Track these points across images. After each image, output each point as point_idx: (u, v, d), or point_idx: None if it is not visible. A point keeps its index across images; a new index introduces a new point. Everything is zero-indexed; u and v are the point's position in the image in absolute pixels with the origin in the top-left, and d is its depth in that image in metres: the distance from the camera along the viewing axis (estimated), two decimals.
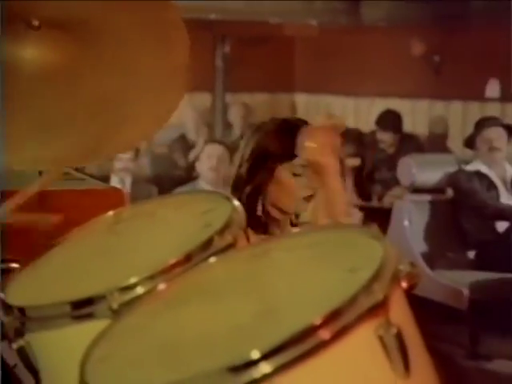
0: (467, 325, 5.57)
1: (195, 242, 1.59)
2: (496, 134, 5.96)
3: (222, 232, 1.61)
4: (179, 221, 1.79)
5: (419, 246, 6.02)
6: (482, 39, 7.02)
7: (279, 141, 2.29)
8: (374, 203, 6.83)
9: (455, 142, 7.46)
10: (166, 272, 1.50)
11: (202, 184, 5.54)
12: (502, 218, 5.78)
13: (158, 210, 1.88)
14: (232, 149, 6.27)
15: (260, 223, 2.30)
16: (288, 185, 2.27)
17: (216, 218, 1.68)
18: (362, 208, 6.80)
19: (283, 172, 2.28)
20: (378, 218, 6.25)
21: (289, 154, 2.21)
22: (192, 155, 7.64)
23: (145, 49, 1.96)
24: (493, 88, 7.26)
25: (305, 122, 2.31)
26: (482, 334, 5.55)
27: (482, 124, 6.18)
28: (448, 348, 5.58)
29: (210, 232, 1.60)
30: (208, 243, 1.58)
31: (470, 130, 6.54)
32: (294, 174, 2.26)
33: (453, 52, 7.48)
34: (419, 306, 5.14)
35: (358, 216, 6.70)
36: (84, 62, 1.89)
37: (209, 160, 5.55)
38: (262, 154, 2.31)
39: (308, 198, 2.23)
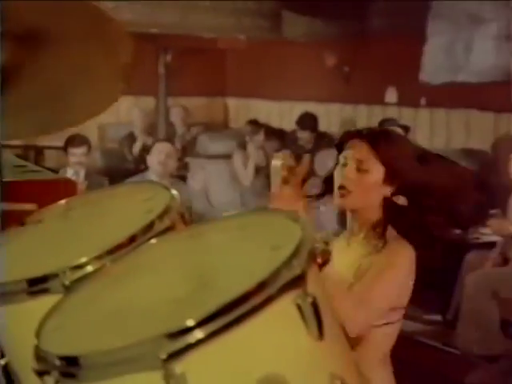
0: None
1: (138, 225, 1.57)
2: None
3: (161, 217, 1.59)
4: (124, 208, 1.76)
5: (332, 227, 6.04)
6: (382, 53, 7.09)
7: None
8: None
9: None
10: (113, 252, 1.48)
11: (152, 176, 5.50)
12: None
13: (106, 198, 1.85)
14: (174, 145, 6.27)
15: None
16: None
17: (156, 204, 1.66)
18: None
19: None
20: None
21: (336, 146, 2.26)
22: (135, 149, 7.59)
23: (91, 52, 2.00)
24: (391, 94, 7.35)
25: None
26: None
27: (383, 124, 6.31)
28: None
29: (151, 217, 1.59)
30: (149, 227, 1.57)
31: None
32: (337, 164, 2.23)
33: (359, 64, 7.54)
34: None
35: None
36: (42, 63, 1.95)
37: (158, 155, 5.50)
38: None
39: (339, 190, 2.20)
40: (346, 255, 2.20)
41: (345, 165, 2.16)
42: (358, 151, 2.16)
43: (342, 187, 2.16)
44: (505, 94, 6.25)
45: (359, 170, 2.15)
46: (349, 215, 2.24)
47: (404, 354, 5.27)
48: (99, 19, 1.97)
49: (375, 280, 2.08)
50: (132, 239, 1.55)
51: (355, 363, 1.64)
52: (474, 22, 6.45)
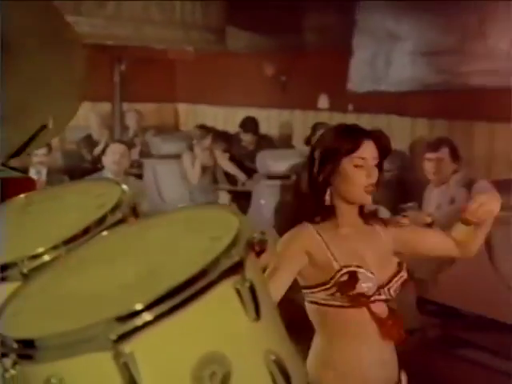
0: None
1: (92, 218, 1.54)
2: None
3: (113, 211, 1.57)
4: (79, 202, 1.73)
5: (272, 218, 6.05)
6: (315, 65, 7.14)
7: (341, 139, 2.12)
8: (240, 187, 6.83)
9: (298, 141, 7.56)
10: (68, 243, 1.46)
11: (107, 174, 5.42)
12: None
13: (63, 193, 1.81)
14: (130, 146, 6.20)
15: (328, 212, 2.12)
16: (351, 175, 2.08)
17: (108, 199, 1.63)
18: (230, 191, 6.82)
19: (346, 164, 2.10)
20: (243, 198, 6.27)
21: (349, 149, 2.09)
22: (96, 151, 7.50)
23: (51, 67, 1.93)
24: (323, 101, 7.40)
25: (357, 126, 2.18)
26: None
27: (316, 127, 6.34)
28: (298, 295, 5.62)
29: (103, 211, 1.56)
30: (102, 220, 1.54)
31: (308, 131, 6.64)
32: (355, 166, 2.09)
33: (295, 73, 7.58)
34: None
35: (227, 197, 6.72)
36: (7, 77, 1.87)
37: (113, 155, 5.42)
38: (328, 151, 2.12)
39: (369, 188, 2.09)
40: None
41: (362, 166, 2.09)
42: (371, 150, 2.11)
43: (372, 185, 2.10)
44: (420, 102, 6.34)
45: (375, 166, 2.13)
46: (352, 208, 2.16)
47: None
48: (58, 22, 1.91)
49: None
50: (86, 231, 1.52)
51: (289, 340, 1.63)
52: (393, 39, 6.53)
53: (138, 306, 1.23)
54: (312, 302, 2.16)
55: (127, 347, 1.22)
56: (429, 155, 5.08)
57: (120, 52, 7.40)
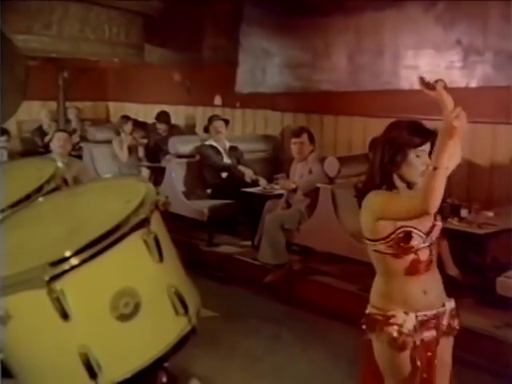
0: (207, 228, 5.62)
1: (32, 187, 1.47)
2: (220, 124, 6.00)
3: (49, 181, 1.50)
4: (22, 175, 1.64)
5: (181, 187, 5.98)
6: (211, 73, 7.07)
7: (410, 135, 1.99)
8: (157, 164, 6.69)
9: (199, 129, 7.49)
10: (13, 206, 1.38)
11: (55, 156, 5.17)
12: (224, 170, 5.84)
13: (10, 169, 1.71)
14: (70, 134, 5.95)
15: (391, 186, 2.01)
16: (414, 163, 1.99)
17: (46, 172, 1.56)
18: (149, 167, 6.68)
19: (411, 155, 1.99)
20: (160, 173, 6.15)
21: (415, 143, 1.98)
22: (46, 139, 7.19)
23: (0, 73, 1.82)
24: (218, 100, 7.34)
25: (420, 123, 2.02)
26: (215, 233, 5.62)
27: (212, 119, 6.23)
28: (196, 241, 5.61)
29: (41, 181, 1.49)
30: (40, 188, 1.48)
31: (206, 123, 6.58)
32: (417, 156, 1.99)
33: (197, 80, 7.47)
34: (181, 219, 5.07)
35: (147, 172, 6.58)
36: None
37: (58, 141, 5.16)
38: (400, 144, 2.00)
39: (423, 172, 1.96)
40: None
41: (420, 156, 1.99)
42: (428, 145, 2.01)
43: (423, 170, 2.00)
44: (286, 101, 6.40)
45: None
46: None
47: (231, 266, 5.30)
48: (5, 41, 1.79)
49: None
50: (27, 197, 1.45)
51: (186, 275, 1.61)
52: (267, 55, 6.54)
53: (67, 253, 1.19)
54: (375, 251, 2.04)
55: (58, 285, 1.18)
56: (294, 140, 5.13)
57: (63, 63, 7.10)
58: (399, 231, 1.96)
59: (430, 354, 2.05)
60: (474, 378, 3.33)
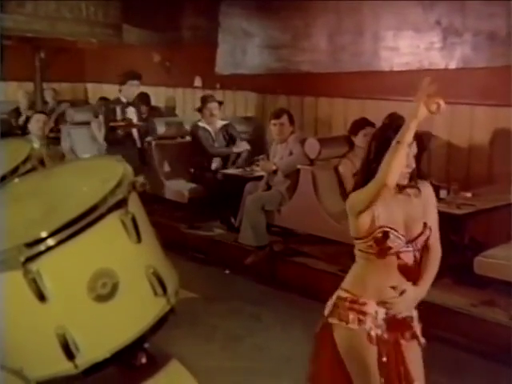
0: (187, 211, 5.61)
1: (7, 168, 1.44)
2: (214, 106, 5.83)
3: (24, 162, 1.48)
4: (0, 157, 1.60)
5: (161, 169, 5.94)
6: (191, 54, 7.00)
7: (394, 132, 1.90)
8: (139, 146, 6.61)
9: (179, 111, 7.44)
10: None
11: (33, 137, 5.09)
12: (217, 155, 5.75)
13: None
14: (49, 115, 5.86)
15: None
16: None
17: (21, 154, 1.53)
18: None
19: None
20: (141, 154, 6.07)
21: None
22: (20, 120, 7.08)
23: None
24: (198, 81, 7.27)
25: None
26: (194, 216, 5.61)
27: (206, 100, 5.87)
28: (177, 223, 5.60)
29: (16, 162, 1.47)
30: (15, 169, 1.45)
31: (187, 105, 6.52)
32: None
33: (176, 60, 7.40)
34: (163, 201, 5.04)
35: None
36: None
37: (37, 123, 5.10)
38: (384, 142, 1.94)
39: (405, 171, 1.98)
40: None
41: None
42: (414, 146, 2.01)
43: (408, 171, 2.02)
44: (267, 82, 6.36)
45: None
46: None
47: (213, 248, 5.29)
48: None
49: None
50: (2, 178, 1.43)
51: (165, 256, 1.60)
52: (247, 36, 6.48)
53: (43, 234, 1.18)
54: (358, 250, 2.05)
55: (34, 266, 1.17)
56: (273, 121, 5.11)
57: (39, 43, 6.94)
58: (378, 231, 1.98)
59: (396, 354, 2.02)
60: (451, 355, 3.40)
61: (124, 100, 5.63)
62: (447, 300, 3.74)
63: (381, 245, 1.98)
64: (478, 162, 4.82)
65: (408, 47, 5.22)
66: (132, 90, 5.69)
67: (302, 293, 4.32)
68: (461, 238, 4.22)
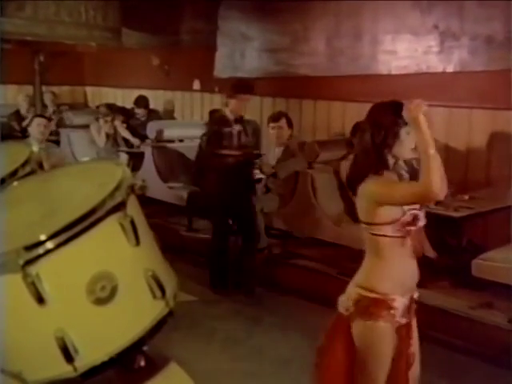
0: (186, 213, 5.60)
1: (6, 171, 1.44)
2: None
3: (24, 165, 1.48)
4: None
5: (159, 169, 5.96)
6: (190, 57, 7.01)
7: (395, 115, 1.99)
8: (136, 149, 6.63)
9: (178, 114, 7.44)
10: None
11: (32, 141, 5.10)
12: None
13: None
14: (49, 119, 5.85)
15: (384, 165, 2.03)
16: (405, 141, 2.00)
17: (22, 156, 1.53)
18: (128, 152, 6.61)
19: (402, 134, 2.00)
20: (138, 157, 6.09)
21: (403, 121, 1.98)
22: (24, 123, 7.07)
23: None
24: (196, 84, 7.28)
25: (400, 102, 2.01)
26: (194, 219, 5.60)
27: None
28: (176, 226, 5.59)
29: (15, 166, 1.47)
30: (14, 172, 1.45)
31: (185, 108, 6.52)
32: (407, 133, 2.00)
33: (175, 64, 7.41)
34: (160, 204, 5.03)
35: (125, 157, 6.51)
36: None
37: (38, 127, 5.09)
38: (389, 126, 2.01)
39: (414, 149, 2.00)
40: None
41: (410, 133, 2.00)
42: None
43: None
44: (265, 85, 6.35)
45: None
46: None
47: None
48: None
49: None
50: (2, 181, 1.43)
51: (164, 260, 1.60)
52: (246, 40, 6.50)
53: (42, 237, 1.17)
54: (374, 234, 2.03)
55: (33, 269, 1.17)
56: (272, 124, 5.10)
57: (39, 46, 6.94)
58: (408, 214, 2.00)
59: (408, 335, 2.07)
60: (449, 358, 3.40)
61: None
62: (445, 303, 3.74)
63: (410, 227, 2.01)
64: (475, 164, 4.83)
65: (406, 51, 5.23)
66: None
67: (301, 295, 4.31)
68: (459, 240, 4.22)
